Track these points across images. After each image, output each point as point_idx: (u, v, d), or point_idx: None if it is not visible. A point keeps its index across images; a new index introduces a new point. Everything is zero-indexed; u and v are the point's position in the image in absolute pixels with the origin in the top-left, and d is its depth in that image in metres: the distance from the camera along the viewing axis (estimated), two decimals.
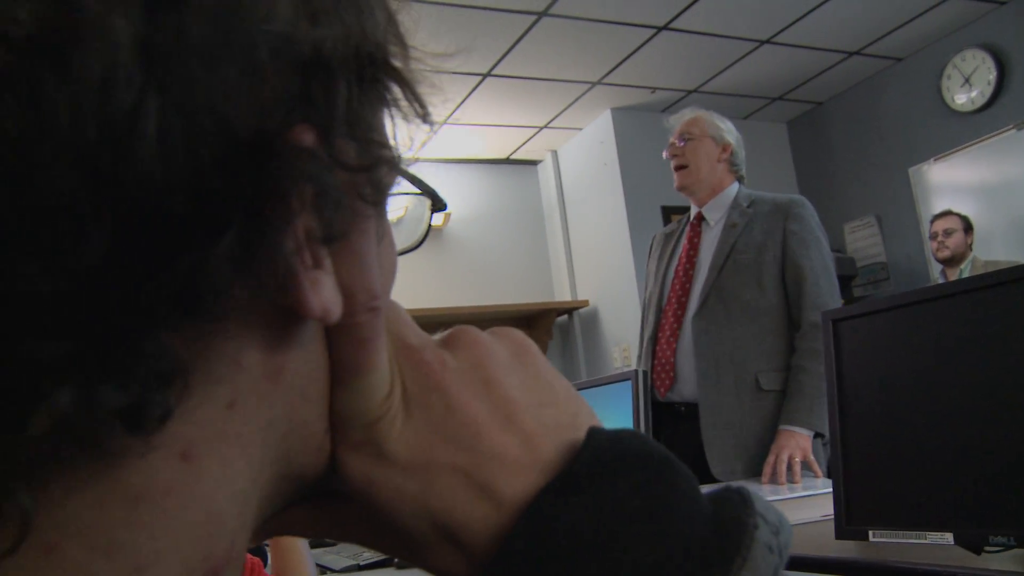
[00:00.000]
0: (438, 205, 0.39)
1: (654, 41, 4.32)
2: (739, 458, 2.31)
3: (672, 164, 2.59)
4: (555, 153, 5.73)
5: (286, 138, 0.24)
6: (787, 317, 2.36)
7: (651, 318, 2.59)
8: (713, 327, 2.39)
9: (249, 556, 1.21)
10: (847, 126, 5.45)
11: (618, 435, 0.32)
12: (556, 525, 0.28)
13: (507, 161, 5.76)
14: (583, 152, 5.47)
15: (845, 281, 5.07)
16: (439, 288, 5.12)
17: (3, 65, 0.20)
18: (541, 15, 3.90)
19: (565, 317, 5.59)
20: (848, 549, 1.16)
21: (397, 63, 0.29)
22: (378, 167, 0.28)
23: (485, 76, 4.43)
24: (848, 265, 5.14)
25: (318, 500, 0.33)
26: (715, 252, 2.46)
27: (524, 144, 5.53)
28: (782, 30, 4.41)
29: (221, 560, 0.26)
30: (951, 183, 4.81)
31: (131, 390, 0.22)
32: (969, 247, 4.34)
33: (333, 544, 1.88)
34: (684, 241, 2.60)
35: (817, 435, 2.23)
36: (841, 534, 1.17)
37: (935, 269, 4.59)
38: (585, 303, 5.43)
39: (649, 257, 2.77)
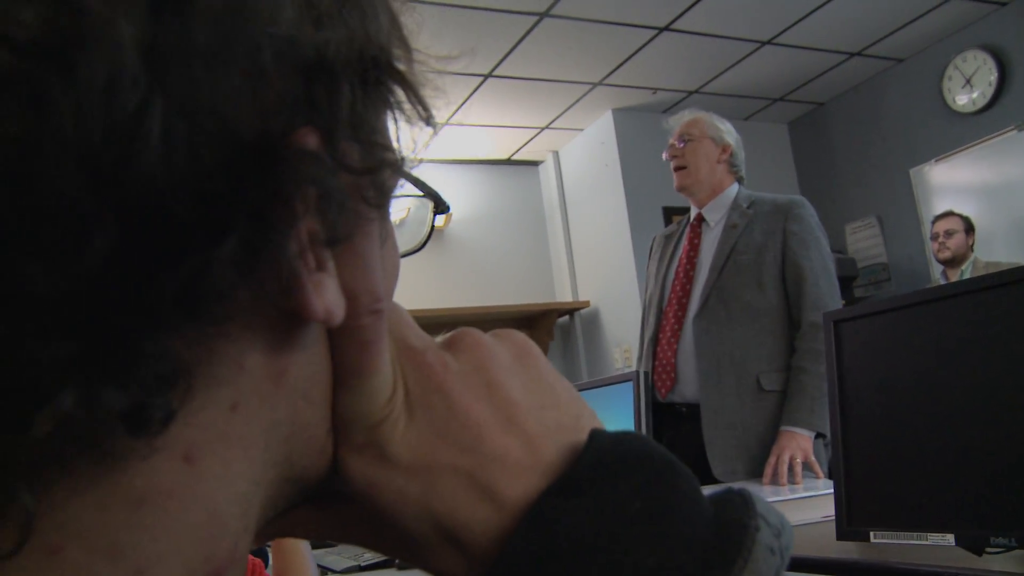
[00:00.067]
0: (440, 207, 0.39)
1: (655, 42, 4.32)
2: (740, 459, 2.31)
3: (672, 165, 2.59)
4: (556, 154, 5.73)
5: (290, 141, 0.24)
6: (788, 317, 2.36)
7: (652, 319, 2.59)
8: (714, 328, 2.39)
9: (250, 557, 1.21)
10: (848, 127, 5.45)
11: (620, 437, 0.32)
12: (557, 527, 0.28)
13: (508, 162, 5.76)
14: (584, 153, 5.47)
15: (846, 282, 5.07)
16: (440, 289, 5.12)
17: (7, 67, 0.20)
18: (543, 16, 3.90)
19: (566, 318, 5.59)
20: (849, 550, 1.16)
21: (400, 66, 0.29)
22: (381, 170, 0.28)
23: (486, 77, 4.43)
24: (849, 266, 5.14)
25: (320, 502, 0.33)
26: (715, 253, 2.46)
27: (525, 145, 5.53)
28: (783, 31, 4.41)
29: (223, 562, 0.26)
30: (952, 184, 4.81)
31: (133, 392, 0.22)
32: (970, 248, 4.34)
33: (334, 545, 1.88)
34: (684, 242, 2.60)
35: (818, 435, 2.23)
36: (842, 535, 1.17)
37: (936, 270, 4.59)
38: (586, 304, 5.43)
39: (649, 258, 2.77)
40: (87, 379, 0.22)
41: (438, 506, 0.30)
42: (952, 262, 4.32)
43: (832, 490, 1.23)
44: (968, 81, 4.68)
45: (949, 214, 4.40)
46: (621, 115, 5.17)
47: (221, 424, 0.26)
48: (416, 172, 0.33)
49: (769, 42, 4.52)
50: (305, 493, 0.32)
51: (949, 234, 4.32)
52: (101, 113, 0.20)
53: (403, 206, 0.38)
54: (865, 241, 5.34)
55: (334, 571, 1.67)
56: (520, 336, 0.36)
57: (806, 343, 2.28)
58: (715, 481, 2.28)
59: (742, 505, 0.30)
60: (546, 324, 5.37)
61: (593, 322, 5.45)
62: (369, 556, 1.65)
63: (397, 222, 0.35)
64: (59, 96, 0.20)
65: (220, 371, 0.26)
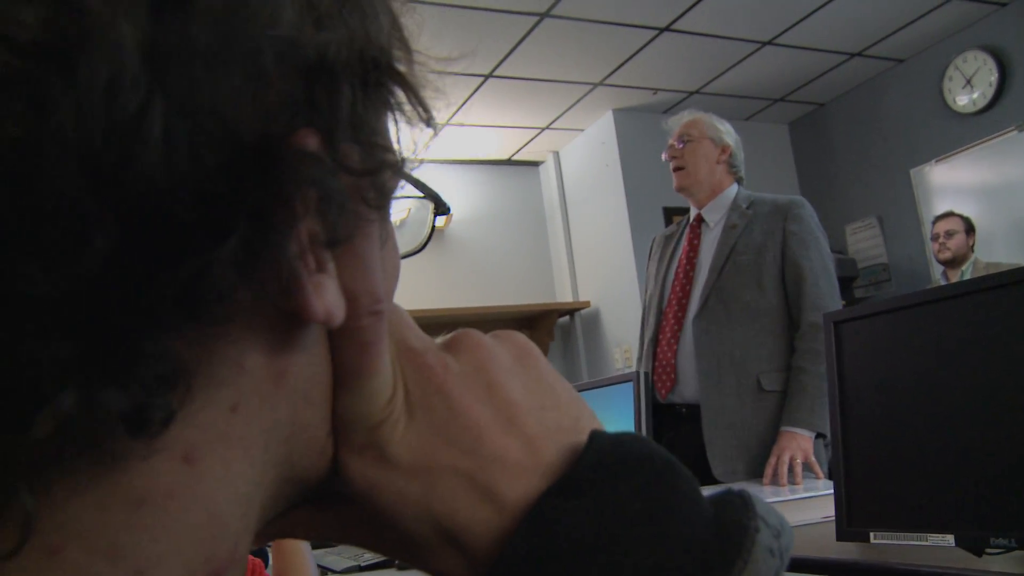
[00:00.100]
0: (441, 208, 0.39)
1: (656, 42, 4.32)
2: (741, 459, 2.31)
3: (671, 166, 2.59)
4: (557, 154, 5.73)
5: (290, 142, 0.24)
6: (788, 317, 2.36)
7: (651, 320, 2.59)
8: (714, 328, 2.39)
9: (250, 557, 1.21)
10: (849, 127, 5.45)
11: (620, 438, 0.32)
12: (557, 528, 0.28)
13: (509, 162, 5.76)
14: (585, 153, 5.47)
15: (846, 282, 5.07)
16: (441, 289, 5.12)
17: (7, 68, 0.20)
18: (543, 16, 3.90)
19: (567, 318, 5.59)
20: (849, 551, 1.16)
21: (401, 67, 0.29)
22: (382, 171, 0.28)
23: (487, 77, 4.43)
24: (849, 266, 5.14)
25: (320, 503, 0.33)
26: (715, 253, 2.46)
27: (526, 145, 5.53)
28: (784, 31, 4.40)
29: (223, 562, 0.26)
30: (952, 184, 4.81)
31: (134, 393, 0.22)
32: (971, 248, 4.34)
33: (334, 545, 1.88)
34: (684, 243, 2.60)
35: (819, 436, 2.23)
36: (842, 535, 1.17)
37: (936, 270, 4.59)
38: (587, 304, 5.43)
39: (649, 259, 2.78)
40: (87, 379, 0.22)
41: (438, 507, 0.30)
42: (952, 263, 4.32)
43: (832, 490, 1.23)
44: (968, 81, 4.68)
45: (949, 214, 4.40)
46: (622, 115, 5.17)
47: (221, 425, 0.26)
48: (417, 173, 0.33)
49: (770, 42, 4.52)
50: (305, 494, 0.32)
51: (949, 234, 4.32)
52: (102, 114, 0.20)
53: (403, 207, 0.38)
54: (865, 241, 5.34)
55: (334, 571, 1.67)
56: (520, 337, 0.36)
57: (806, 343, 2.28)
58: (715, 481, 2.28)
59: (742, 506, 0.30)
60: (546, 324, 5.37)
61: (593, 322, 5.45)
62: (369, 556, 1.65)
63: (397, 223, 0.35)
64: (60, 97, 0.20)
65: (220, 372, 0.26)
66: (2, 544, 0.22)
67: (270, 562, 1.28)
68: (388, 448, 0.31)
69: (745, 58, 4.67)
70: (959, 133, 4.75)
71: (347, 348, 0.30)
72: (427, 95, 0.30)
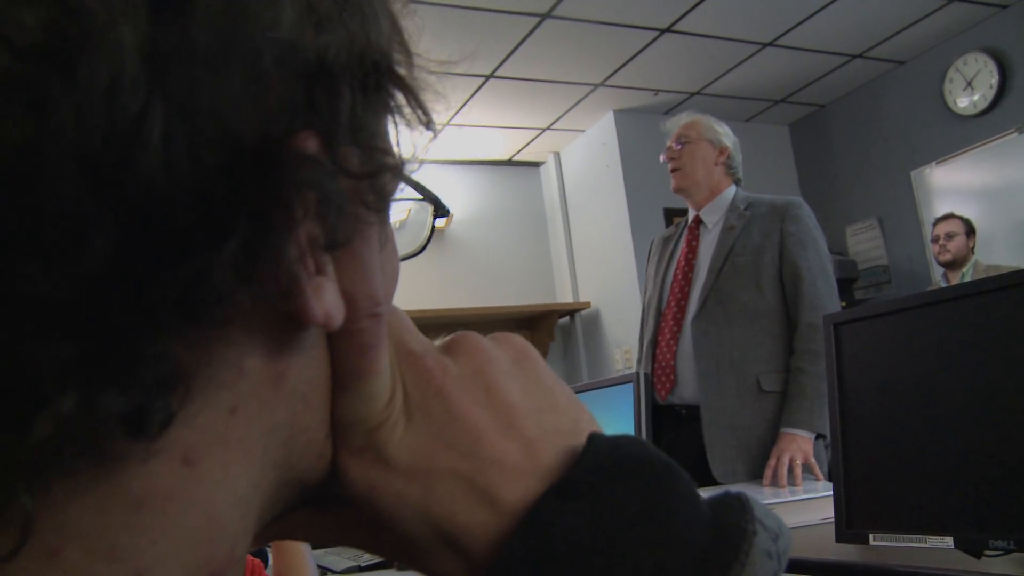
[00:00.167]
0: (440, 211, 0.39)
1: (657, 43, 4.32)
2: (741, 460, 2.31)
3: (669, 167, 2.60)
4: (557, 155, 5.73)
5: (290, 145, 0.25)
6: (786, 318, 2.37)
7: (651, 322, 2.60)
8: (713, 329, 2.39)
9: (250, 558, 1.21)
10: (849, 129, 5.45)
11: (618, 441, 0.32)
12: (556, 531, 0.28)
13: (509, 163, 5.76)
14: (585, 154, 5.47)
15: (847, 284, 5.07)
16: (441, 289, 5.12)
17: (8, 70, 0.20)
18: (544, 17, 3.90)
19: (567, 319, 5.59)
20: (848, 552, 1.16)
21: (401, 70, 0.29)
22: (381, 174, 0.28)
23: (488, 78, 4.43)
24: (850, 268, 5.14)
25: (319, 504, 0.33)
26: (713, 255, 2.46)
27: (527, 146, 5.53)
28: (785, 33, 4.41)
29: (222, 564, 0.26)
30: (953, 186, 4.81)
31: (133, 395, 0.22)
32: (971, 250, 4.34)
33: (334, 545, 1.88)
34: (682, 244, 2.61)
35: (819, 437, 2.23)
36: (841, 537, 1.17)
37: (937, 272, 4.59)
38: (587, 305, 5.43)
39: (648, 261, 2.78)
40: (87, 381, 0.22)
41: (437, 509, 0.30)
42: (953, 264, 4.32)
43: (831, 492, 1.23)
44: (969, 84, 4.68)
45: (950, 216, 4.40)
46: (622, 116, 5.17)
47: (220, 427, 0.26)
48: (417, 173, 0.33)
49: (770, 44, 4.52)
50: (304, 496, 0.32)
51: (950, 236, 4.32)
52: (102, 116, 0.20)
53: (403, 208, 0.38)
54: (866, 243, 5.34)
55: (334, 571, 1.67)
56: (519, 340, 0.36)
57: (804, 344, 2.29)
58: (716, 483, 2.28)
59: (740, 509, 0.30)
60: (547, 325, 5.37)
61: (594, 323, 5.45)
62: (368, 557, 1.65)
63: (397, 224, 0.35)
64: (60, 98, 0.20)
65: (219, 374, 0.26)
66: (1, 545, 0.22)
67: (270, 562, 1.28)
68: (387, 450, 0.31)
69: (746, 59, 4.68)
70: (960, 135, 4.75)
71: (346, 350, 0.30)
72: (427, 98, 0.30)
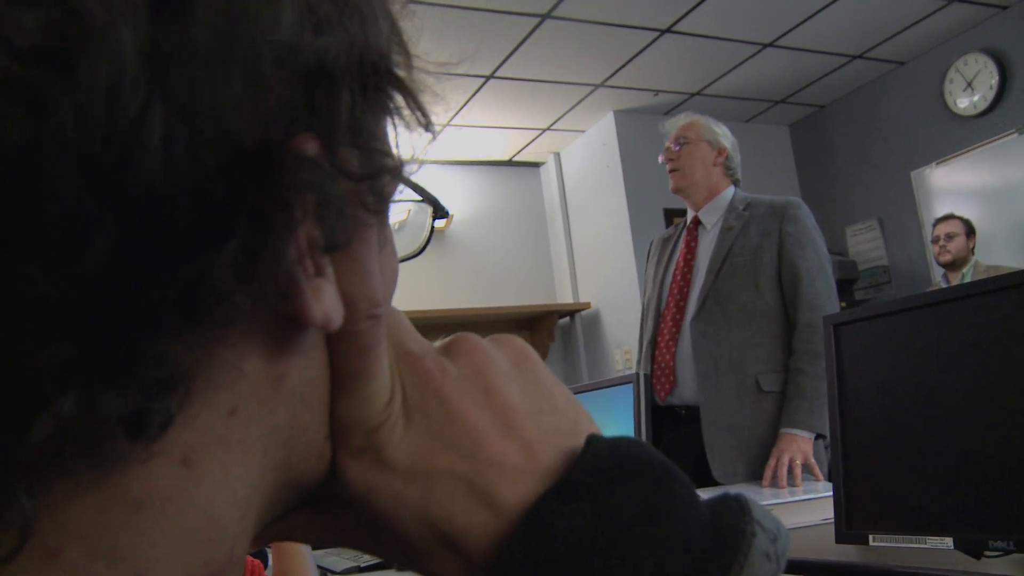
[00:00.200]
0: (440, 212, 0.39)
1: (657, 44, 4.32)
2: (741, 461, 2.31)
3: (667, 168, 2.60)
4: (558, 155, 5.73)
5: (289, 147, 0.25)
6: (785, 318, 2.37)
7: (650, 323, 2.60)
8: (711, 330, 2.39)
9: (249, 558, 1.21)
10: (849, 129, 5.45)
11: (617, 442, 0.32)
12: (555, 532, 0.28)
13: (510, 163, 5.76)
14: (586, 154, 5.47)
15: (847, 284, 5.07)
16: (441, 290, 5.12)
17: (8, 71, 0.20)
18: (544, 17, 3.90)
19: (567, 319, 5.59)
20: (848, 553, 1.16)
21: (400, 72, 0.29)
22: (380, 176, 0.28)
23: (488, 78, 4.43)
24: (850, 268, 5.14)
25: (319, 505, 0.33)
26: (712, 255, 2.46)
27: (527, 146, 5.53)
28: (785, 33, 4.41)
29: (221, 565, 0.26)
30: (953, 187, 4.81)
31: (133, 397, 0.22)
32: (971, 251, 4.34)
33: (334, 546, 1.88)
34: (681, 245, 2.61)
35: (818, 437, 2.23)
36: (841, 538, 1.17)
37: (937, 273, 4.59)
38: (587, 305, 5.43)
39: (647, 262, 2.79)
40: (87, 382, 0.22)
41: (436, 511, 0.30)
42: (953, 265, 4.32)
43: (831, 493, 1.23)
44: (969, 84, 4.68)
45: (950, 217, 4.40)
46: (622, 117, 5.17)
47: (220, 428, 0.26)
48: (417, 174, 0.33)
49: (771, 44, 4.52)
50: (304, 497, 0.32)
51: (950, 237, 4.32)
52: (102, 117, 0.20)
53: (403, 209, 0.38)
54: (866, 243, 5.34)
55: (334, 572, 1.67)
56: (518, 341, 0.36)
57: (803, 344, 2.29)
58: (716, 483, 2.28)
59: (738, 510, 0.30)
60: (547, 325, 5.37)
61: (594, 324, 5.44)
62: (368, 557, 1.65)
63: (396, 225, 0.35)
64: (59, 100, 0.20)
65: (219, 375, 0.26)
66: (1, 546, 0.22)
67: (270, 563, 1.28)
68: (386, 451, 0.31)
69: (746, 60, 4.68)
70: (960, 136, 4.75)
71: (345, 352, 0.30)
72: (426, 100, 0.30)
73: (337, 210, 0.26)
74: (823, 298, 2.32)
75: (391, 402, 0.31)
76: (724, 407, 2.34)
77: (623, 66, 4.54)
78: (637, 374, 1.66)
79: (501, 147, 5.48)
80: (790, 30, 4.37)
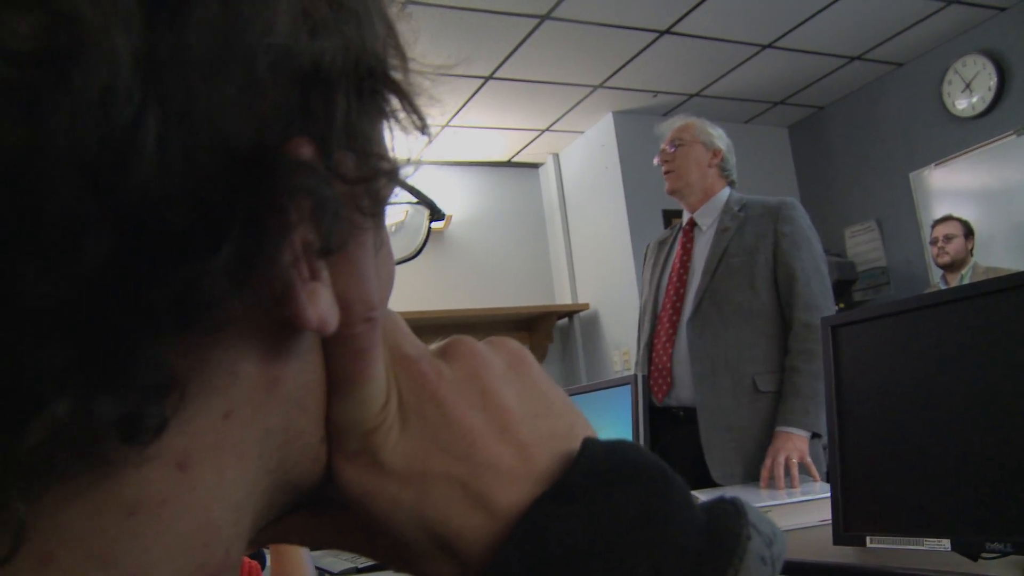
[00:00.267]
0: (436, 215, 0.39)
1: (656, 45, 4.32)
2: (739, 461, 2.31)
3: (663, 170, 2.61)
4: (556, 156, 5.74)
5: (284, 151, 0.25)
6: (781, 318, 2.37)
7: (647, 325, 2.60)
8: (708, 331, 2.40)
9: (247, 559, 1.21)
10: (848, 130, 5.45)
11: (613, 446, 0.32)
12: (550, 535, 0.28)
13: (508, 164, 5.76)
14: (585, 155, 5.47)
15: (845, 285, 5.07)
16: (440, 290, 5.12)
17: (3, 76, 0.20)
18: (544, 18, 3.90)
19: (565, 320, 5.59)
20: (846, 555, 1.16)
21: (396, 75, 0.29)
22: (376, 179, 0.28)
23: (487, 79, 4.43)
24: (848, 269, 5.14)
25: (315, 508, 0.33)
26: (708, 256, 2.47)
27: (526, 147, 5.53)
28: (784, 34, 4.41)
29: (216, 569, 0.26)
30: (952, 188, 4.82)
31: (127, 401, 0.22)
32: (970, 252, 4.34)
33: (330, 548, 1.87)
34: (677, 247, 2.62)
35: (815, 436, 2.23)
36: (839, 539, 1.17)
37: (935, 274, 4.59)
38: (586, 306, 5.43)
39: (644, 265, 2.80)
40: (81, 387, 0.22)
41: (431, 514, 0.30)
42: (951, 266, 4.32)
43: (829, 494, 1.23)
44: (968, 86, 4.69)
45: (948, 218, 4.41)
46: (621, 118, 5.17)
47: (214, 432, 0.26)
48: (416, 175, 0.33)
49: (770, 46, 4.53)
50: (299, 500, 0.32)
51: (948, 238, 4.32)
52: (96, 123, 0.20)
53: (400, 210, 0.38)
54: (864, 245, 5.34)
55: (331, 573, 1.66)
56: (514, 344, 0.36)
57: (799, 343, 2.29)
58: (714, 484, 2.29)
59: (734, 514, 0.30)
60: (545, 326, 5.37)
61: (592, 325, 5.44)
62: (366, 558, 1.65)
63: (393, 227, 0.35)
64: (54, 106, 0.20)
65: (214, 379, 0.26)
66: None
67: (267, 564, 1.28)
68: (381, 455, 0.31)
69: (745, 61, 4.68)
70: (958, 137, 4.75)
71: (341, 355, 0.30)
72: (422, 103, 0.30)
73: (332, 214, 0.26)
74: (818, 297, 2.32)
75: (387, 405, 0.31)
76: (721, 408, 2.34)
77: (622, 67, 4.54)
78: (635, 375, 1.66)
79: (500, 148, 5.48)
80: (789, 31, 4.37)
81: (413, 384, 0.32)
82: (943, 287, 4.19)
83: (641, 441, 1.58)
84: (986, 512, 1.01)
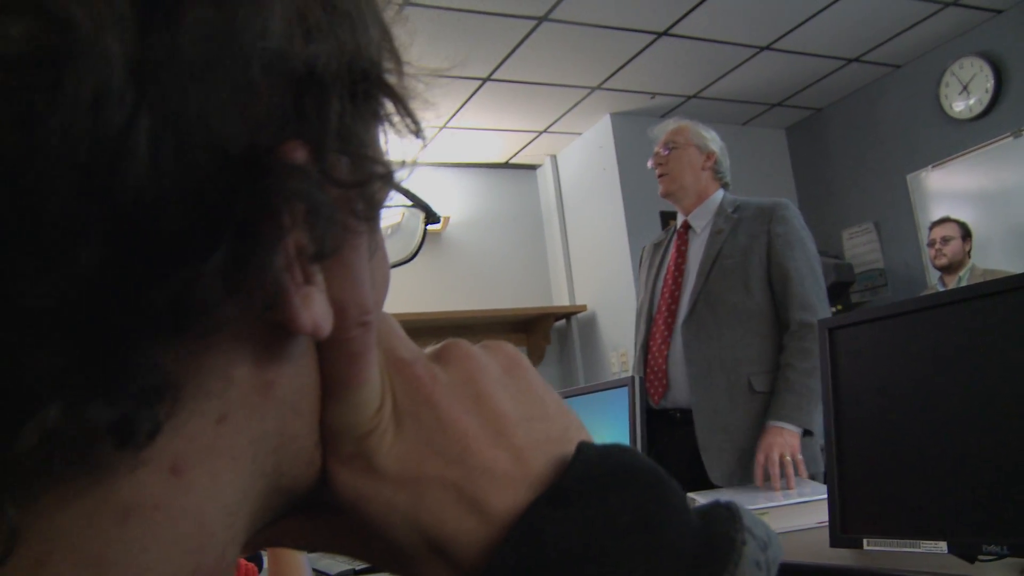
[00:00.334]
0: (432, 218, 0.39)
1: (654, 47, 4.33)
2: (736, 462, 2.31)
3: (656, 172, 2.62)
4: (554, 158, 5.74)
5: (278, 154, 0.24)
6: (776, 319, 2.38)
7: (643, 327, 2.61)
8: (703, 332, 2.40)
9: (243, 562, 1.20)
10: (846, 132, 5.46)
11: (608, 450, 0.32)
12: (545, 539, 0.28)
13: (506, 165, 5.76)
14: (582, 157, 5.47)
15: (843, 287, 5.08)
16: (437, 292, 5.12)
17: None
18: (541, 20, 3.91)
19: (563, 322, 5.59)
20: (843, 557, 1.16)
21: (391, 79, 0.29)
22: (371, 183, 0.28)
23: (485, 80, 4.43)
24: (846, 271, 5.14)
25: (309, 512, 0.33)
26: (702, 259, 2.48)
27: (523, 148, 5.54)
28: (782, 36, 4.41)
29: (211, 572, 0.26)
30: (949, 190, 4.82)
31: (121, 405, 0.22)
32: (967, 254, 4.35)
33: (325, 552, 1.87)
34: (672, 250, 2.63)
35: (807, 433, 2.23)
36: (836, 542, 1.17)
37: (933, 276, 4.59)
38: (583, 308, 5.43)
39: (640, 268, 2.80)
40: (75, 391, 0.22)
41: (426, 518, 0.30)
42: (949, 268, 4.33)
43: (826, 496, 1.23)
44: (965, 88, 4.70)
45: (946, 220, 4.41)
46: (619, 119, 5.18)
47: (209, 436, 0.26)
48: (414, 176, 0.33)
49: (767, 47, 4.53)
50: (294, 504, 0.32)
51: (946, 240, 4.33)
52: (88, 128, 0.20)
53: (396, 212, 0.38)
54: (862, 247, 5.35)
55: (329, 574, 1.66)
56: (510, 348, 0.36)
57: (793, 341, 2.30)
58: (711, 486, 2.29)
59: (729, 518, 0.30)
60: (543, 328, 5.37)
61: (590, 326, 5.45)
62: None
63: (389, 230, 0.35)
64: (47, 112, 0.20)
65: (208, 383, 0.26)
66: None
67: (264, 566, 1.28)
68: (376, 458, 0.31)
69: (743, 63, 4.68)
70: (955, 139, 4.76)
71: (335, 359, 0.30)
72: (416, 106, 0.30)
73: (326, 218, 0.26)
74: (813, 297, 2.33)
75: (381, 409, 0.31)
76: (717, 409, 2.34)
77: (620, 69, 4.55)
78: (632, 377, 1.66)
79: (498, 149, 5.48)
80: (787, 33, 4.38)
81: (408, 388, 0.32)
82: (940, 289, 4.19)
83: (639, 443, 1.58)
84: (983, 514, 1.01)
